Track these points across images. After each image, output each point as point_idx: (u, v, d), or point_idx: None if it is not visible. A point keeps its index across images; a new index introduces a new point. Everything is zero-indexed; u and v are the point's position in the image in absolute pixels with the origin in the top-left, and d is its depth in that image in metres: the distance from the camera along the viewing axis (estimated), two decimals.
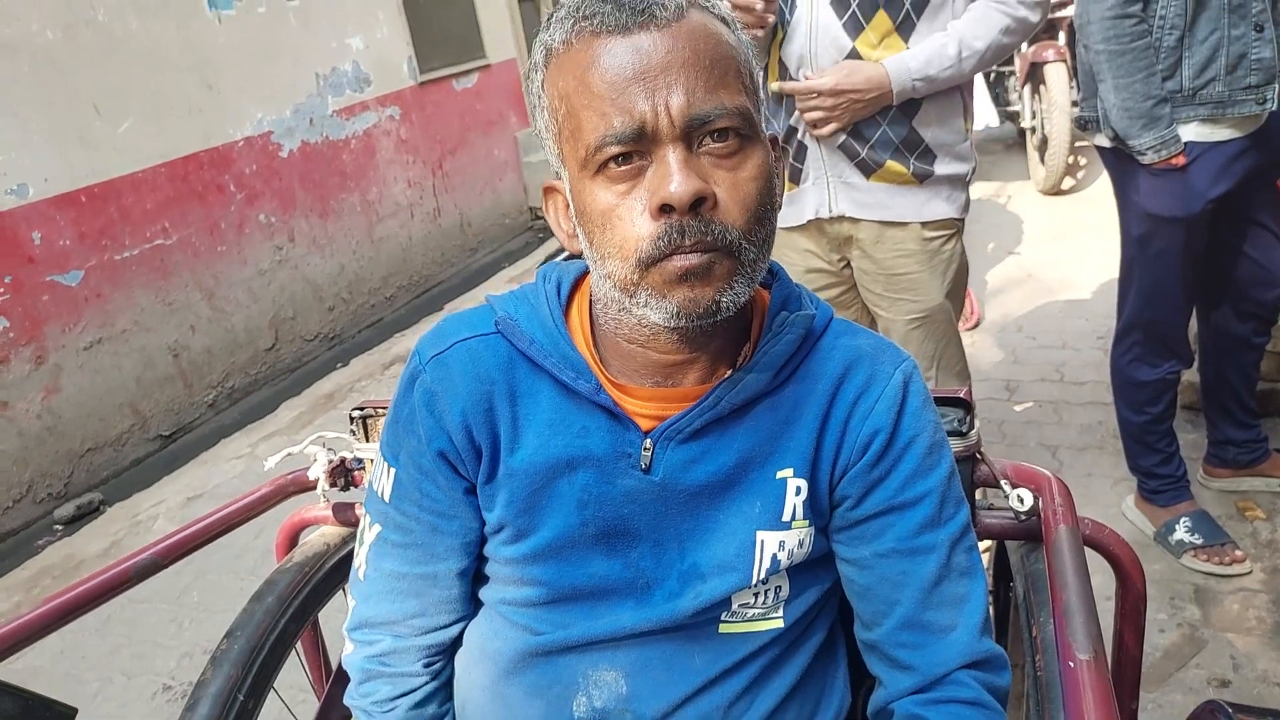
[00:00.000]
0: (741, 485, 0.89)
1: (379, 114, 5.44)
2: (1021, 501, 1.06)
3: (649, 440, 0.87)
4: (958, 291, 2.09)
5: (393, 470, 0.95)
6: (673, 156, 0.74)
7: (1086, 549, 1.08)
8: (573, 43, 0.77)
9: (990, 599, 1.31)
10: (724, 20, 0.81)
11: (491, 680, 0.96)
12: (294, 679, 1.54)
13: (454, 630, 1.01)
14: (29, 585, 3.25)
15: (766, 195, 0.80)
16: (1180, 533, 2.33)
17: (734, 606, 0.92)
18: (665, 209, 0.74)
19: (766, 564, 0.89)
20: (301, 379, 4.76)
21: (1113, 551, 1.08)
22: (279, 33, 4.79)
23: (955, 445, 1.08)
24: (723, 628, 0.93)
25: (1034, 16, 1.86)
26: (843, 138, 1.91)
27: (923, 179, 1.91)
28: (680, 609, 0.90)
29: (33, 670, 2.58)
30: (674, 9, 0.76)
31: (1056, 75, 4.89)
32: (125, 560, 1.16)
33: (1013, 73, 5.75)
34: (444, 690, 1.02)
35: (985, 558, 1.27)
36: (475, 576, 1.00)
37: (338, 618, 1.15)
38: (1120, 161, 2.15)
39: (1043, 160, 5.27)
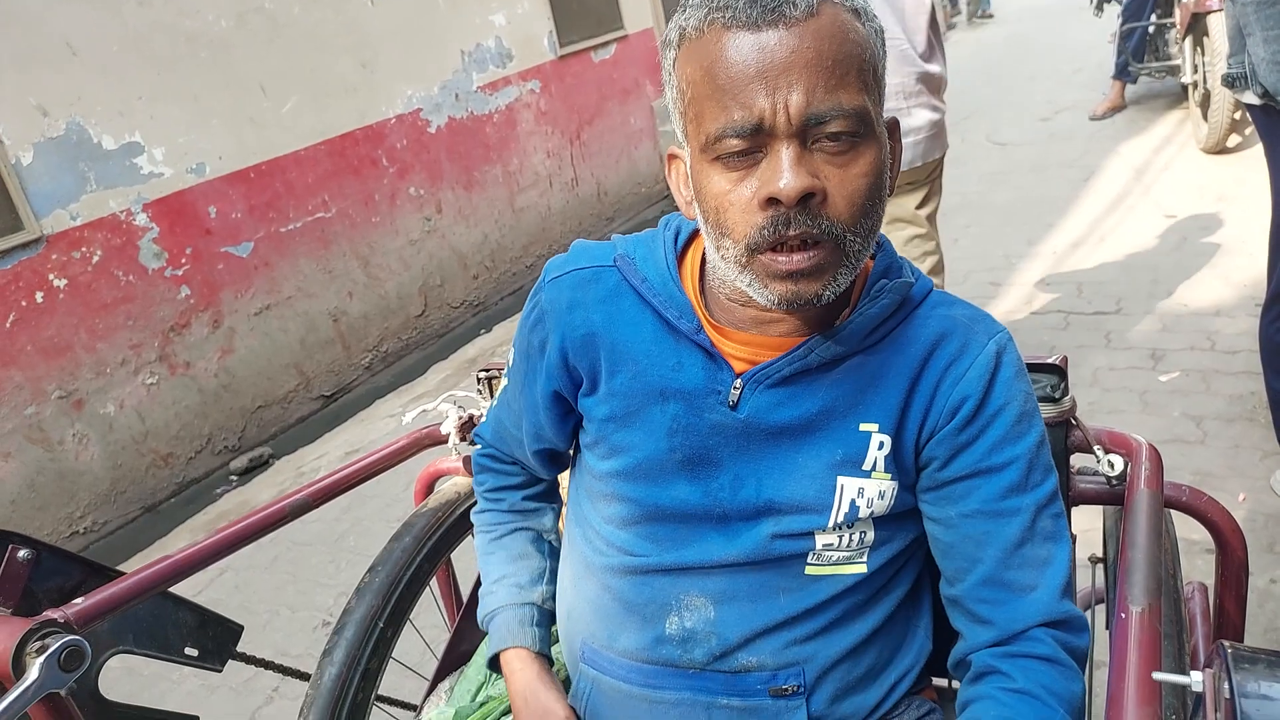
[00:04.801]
0: (823, 431, 0.94)
1: (520, 88, 5.61)
2: (1111, 466, 1.06)
3: (739, 381, 0.94)
4: None
5: (512, 353, 1.11)
6: (786, 152, 0.78)
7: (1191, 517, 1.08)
8: (704, 31, 0.81)
9: (1100, 565, 1.32)
10: (857, 12, 0.82)
11: (595, 592, 1.06)
12: (430, 619, 1.69)
13: (540, 486, 1.24)
14: (209, 529, 3.61)
15: (875, 190, 0.83)
16: None
17: (818, 547, 0.97)
18: (773, 202, 0.79)
19: (845, 508, 0.94)
20: (448, 344, 5.01)
21: (1210, 518, 1.07)
22: (427, 12, 5.00)
23: (1048, 411, 1.10)
24: (809, 569, 0.98)
25: None
26: None
27: None
28: (758, 542, 0.96)
29: (212, 602, 2.86)
30: (805, 7, 0.78)
31: (1220, 26, 4.56)
32: (282, 499, 1.32)
33: (1173, 24, 5.38)
34: (541, 508, 1.25)
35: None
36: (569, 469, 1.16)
37: (469, 559, 1.28)
38: (1271, 119, 2.03)
39: (1205, 117, 4.93)
